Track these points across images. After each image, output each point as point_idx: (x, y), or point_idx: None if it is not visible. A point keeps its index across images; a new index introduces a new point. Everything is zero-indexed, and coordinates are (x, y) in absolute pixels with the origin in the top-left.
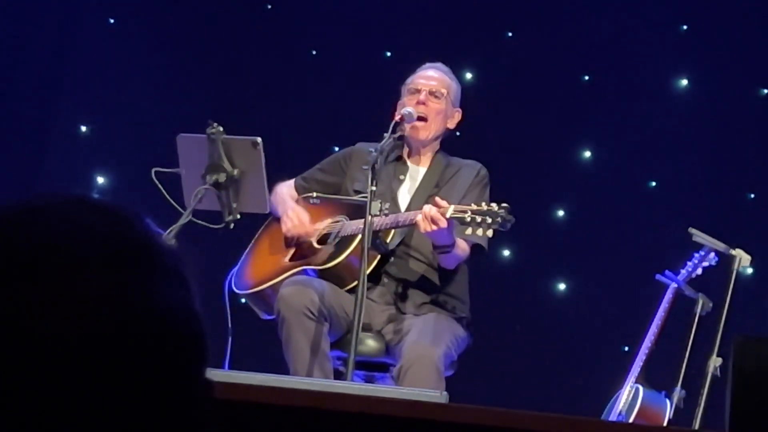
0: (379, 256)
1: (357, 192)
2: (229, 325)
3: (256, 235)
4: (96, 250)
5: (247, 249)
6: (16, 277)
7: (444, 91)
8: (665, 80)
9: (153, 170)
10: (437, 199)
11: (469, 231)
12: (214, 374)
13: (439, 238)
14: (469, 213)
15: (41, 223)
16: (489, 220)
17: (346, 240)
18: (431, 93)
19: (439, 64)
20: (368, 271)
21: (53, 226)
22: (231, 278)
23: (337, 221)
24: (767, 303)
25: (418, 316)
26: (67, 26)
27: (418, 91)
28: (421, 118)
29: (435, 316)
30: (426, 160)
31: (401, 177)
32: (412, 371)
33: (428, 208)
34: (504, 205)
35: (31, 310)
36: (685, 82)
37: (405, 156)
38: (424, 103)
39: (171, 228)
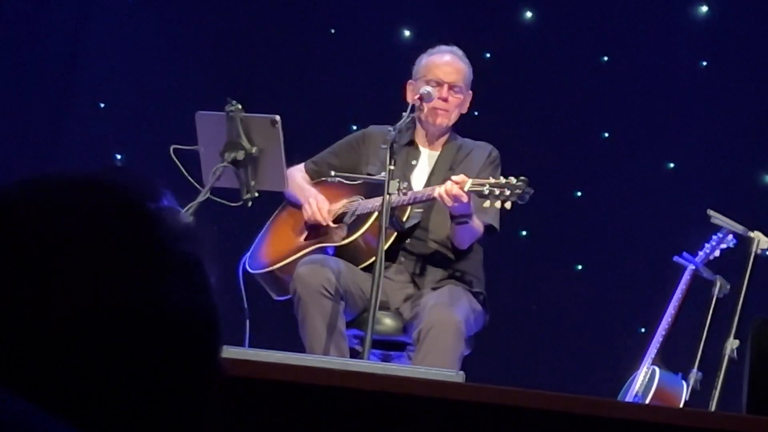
0: (395, 234)
1: (371, 175)
2: (245, 306)
3: (271, 218)
4: (106, 249)
5: (262, 231)
6: (24, 276)
7: (462, 84)
8: (684, 62)
9: (171, 147)
10: (453, 176)
11: (487, 203)
12: (233, 352)
13: (458, 209)
14: (487, 186)
15: (52, 215)
16: (507, 192)
17: (362, 218)
18: (451, 87)
19: (454, 48)
20: (384, 248)
21: (66, 221)
22: (245, 260)
23: (353, 201)
24: None
25: (435, 289)
26: (86, 2)
27: (439, 84)
28: (442, 109)
29: (453, 287)
30: (438, 144)
31: (413, 162)
32: (434, 332)
33: (449, 186)
34: (522, 177)
35: (40, 307)
36: (704, 63)
37: (417, 140)
38: (446, 100)
39: (189, 205)
